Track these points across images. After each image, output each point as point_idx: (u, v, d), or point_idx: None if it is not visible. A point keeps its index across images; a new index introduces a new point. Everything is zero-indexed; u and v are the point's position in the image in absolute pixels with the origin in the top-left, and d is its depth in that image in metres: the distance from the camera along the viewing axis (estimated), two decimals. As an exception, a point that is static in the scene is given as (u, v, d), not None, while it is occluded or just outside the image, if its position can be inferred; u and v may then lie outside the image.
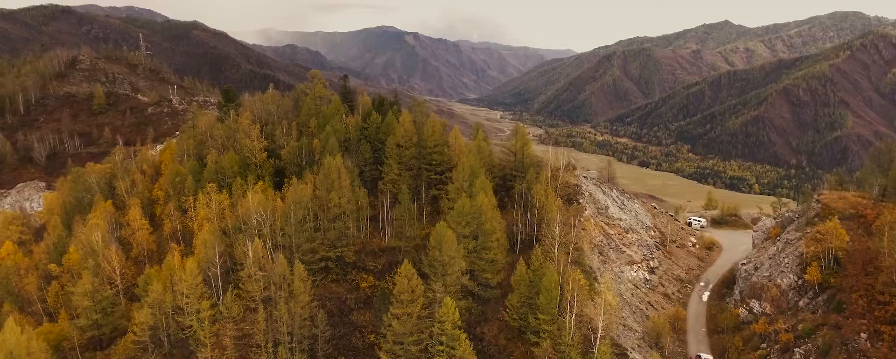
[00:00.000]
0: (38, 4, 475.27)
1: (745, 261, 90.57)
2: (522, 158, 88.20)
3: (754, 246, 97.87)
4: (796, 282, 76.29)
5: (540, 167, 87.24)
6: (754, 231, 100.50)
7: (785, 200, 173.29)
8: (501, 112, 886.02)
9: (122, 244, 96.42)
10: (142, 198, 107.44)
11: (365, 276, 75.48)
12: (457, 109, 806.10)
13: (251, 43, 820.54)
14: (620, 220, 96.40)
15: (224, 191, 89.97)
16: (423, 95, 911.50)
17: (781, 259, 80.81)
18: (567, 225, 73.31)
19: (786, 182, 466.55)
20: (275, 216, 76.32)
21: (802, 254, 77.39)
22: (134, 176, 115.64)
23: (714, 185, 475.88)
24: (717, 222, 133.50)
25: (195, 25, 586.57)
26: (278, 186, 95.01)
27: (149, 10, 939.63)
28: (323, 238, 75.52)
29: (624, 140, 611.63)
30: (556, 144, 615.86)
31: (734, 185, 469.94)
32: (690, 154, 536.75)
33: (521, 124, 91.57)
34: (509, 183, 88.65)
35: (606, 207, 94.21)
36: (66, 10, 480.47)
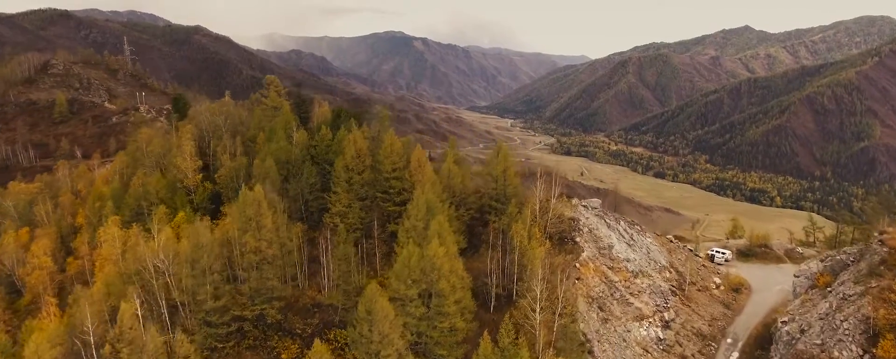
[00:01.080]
0: (36, 9, 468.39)
1: (785, 317, 71.53)
2: (504, 186, 70.32)
3: (796, 295, 78.73)
4: (861, 357, 57.32)
5: (524, 198, 69.31)
6: (796, 276, 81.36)
7: (818, 222, 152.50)
8: (512, 120, 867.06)
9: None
10: (62, 226, 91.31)
11: (290, 343, 57.94)
12: (466, 116, 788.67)
13: (255, 48, 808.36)
14: (628, 261, 78.00)
15: (140, 223, 73.20)
16: (431, 102, 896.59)
17: (838, 322, 61.81)
18: (556, 277, 55.57)
19: (809, 195, 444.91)
20: (178, 263, 59.23)
21: (869, 318, 58.45)
22: (62, 198, 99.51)
23: (733, 197, 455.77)
24: (744, 254, 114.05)
25: (197, 30, 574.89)
26: (215, 214, 78.47)
27: (151, 15, 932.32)
28: (235, 293, 58.27)
29: (639, 150, 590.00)
30: (569, 153, 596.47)
31: (754, 197, 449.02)
32: (708, 165, 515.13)
33: (504, 143, 73.14)
34: (488, 216, 71.05)
35: (610, 246, 75.93)
36: (65, 14, 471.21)
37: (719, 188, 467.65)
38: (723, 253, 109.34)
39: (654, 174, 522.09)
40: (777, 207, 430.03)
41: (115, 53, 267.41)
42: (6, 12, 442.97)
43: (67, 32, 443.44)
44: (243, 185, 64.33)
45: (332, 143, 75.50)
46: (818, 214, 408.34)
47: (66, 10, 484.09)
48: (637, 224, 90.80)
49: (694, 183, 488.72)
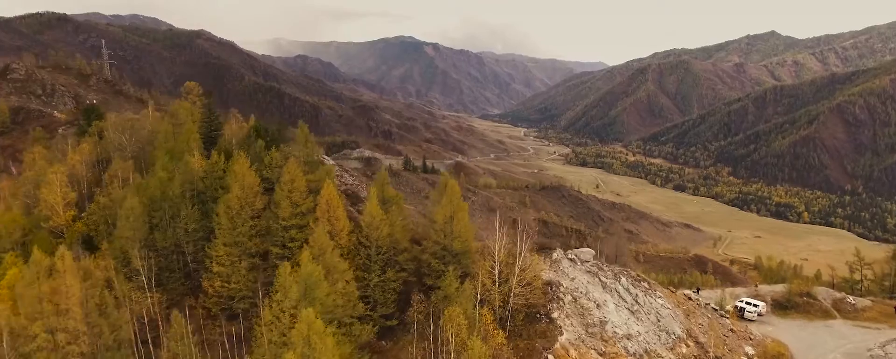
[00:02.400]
0: (34, 12, 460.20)
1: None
2: (450, 238, 49.82)
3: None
4: None
5: (477, 257, 48.67)
6: (870, 354, 59.80)
7: (865, 258, 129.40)
8: (525, 129, 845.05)
9: None
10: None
11: None
12: (477, 125, 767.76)
13: (260, 53, 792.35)
14: (628, 338, 56.87)
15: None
16: (441, 110, 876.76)
17: None
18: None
19: (839, 210, 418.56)
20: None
21: None
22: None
23: (757, 212, 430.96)
24: (781, 306, 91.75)
25: (199, 34, 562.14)
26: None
27: (154, 19, 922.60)
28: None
29: (658, 161, 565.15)
30: (584, 164, 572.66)
31: (780, 212, 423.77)
32: (731, 177, 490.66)
33: (450, 176, 51.72)
34: (427, 280, 50.62)
35: (603, 321, 54.91)
36: (63, 18, 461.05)
37: (743, 203, 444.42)
38: (755, 306, 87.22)
39: (673, 187, 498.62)
40: (805, 223, 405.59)
41: (110, 58, 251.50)
42: (3, 16, 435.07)
43: (65, 37, 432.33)
44: (39, 244, 44.59)
45: (225, 176, 55.76)
46: (849, 231, 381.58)
47: (65, 14, 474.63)
48: (644, 280, 69.48)
49: (716, 197, 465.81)
